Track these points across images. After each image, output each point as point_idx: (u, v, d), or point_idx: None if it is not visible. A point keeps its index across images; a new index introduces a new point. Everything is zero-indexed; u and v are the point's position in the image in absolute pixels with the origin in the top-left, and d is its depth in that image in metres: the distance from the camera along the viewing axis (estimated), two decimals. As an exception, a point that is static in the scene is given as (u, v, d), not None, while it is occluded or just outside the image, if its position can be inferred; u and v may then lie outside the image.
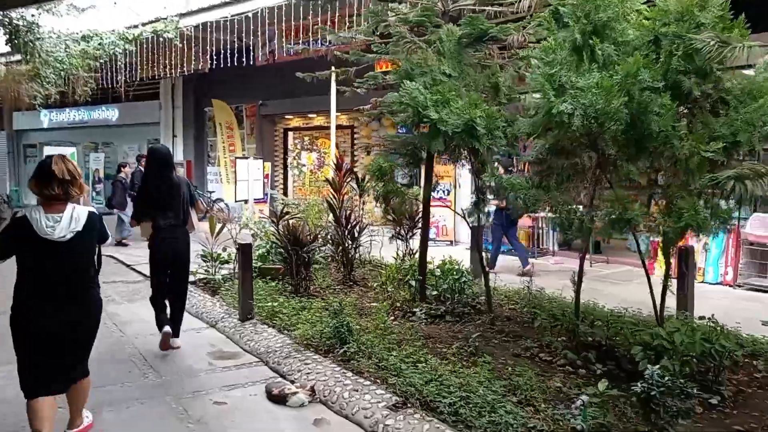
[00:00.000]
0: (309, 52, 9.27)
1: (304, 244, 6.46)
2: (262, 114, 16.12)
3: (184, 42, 12.32)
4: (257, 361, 4.99)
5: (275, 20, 11.05)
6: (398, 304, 6.08)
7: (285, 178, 16.29)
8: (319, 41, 12.60)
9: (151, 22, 12.46)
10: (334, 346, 4.84)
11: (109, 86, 14.25)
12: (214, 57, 13.32)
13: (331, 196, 7.27)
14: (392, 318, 5.63)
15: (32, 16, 11.44)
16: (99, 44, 12.40)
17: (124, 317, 6.40)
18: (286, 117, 16.04)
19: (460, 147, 5.00)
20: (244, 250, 5.76)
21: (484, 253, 6.08)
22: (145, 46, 12.83)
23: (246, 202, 10.56)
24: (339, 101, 14.53)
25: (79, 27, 12.64)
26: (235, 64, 12.38)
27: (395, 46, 6.22)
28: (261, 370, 4.80)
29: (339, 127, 15.17)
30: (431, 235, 9.46)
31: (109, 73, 13.79)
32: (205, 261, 7.58)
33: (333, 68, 8.86)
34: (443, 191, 12.20)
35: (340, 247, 7.26)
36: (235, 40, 12.04)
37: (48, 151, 13.69)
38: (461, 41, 5.32)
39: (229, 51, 12.25)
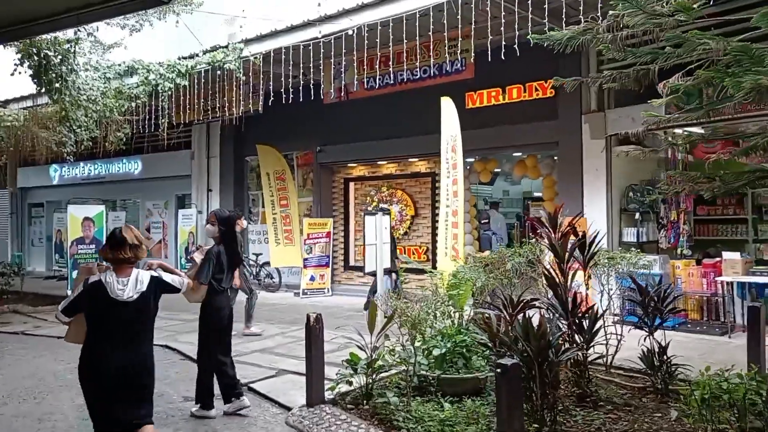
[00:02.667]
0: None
1: (556, 351, 3.97)
2: (319, 162, 13.81)
3: (250, 75, 10.06)
4: None
5: (367, 45, 8.84)
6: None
7: (346, 237, 13.84)
8: (406, 71, 10.44)
9: (208, 51, 10.24)
10: None
11: (146, 131, 11.91)
12: (264, 95, 11.13)
13: (554, 270, 4.80)
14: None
15: (68, 42, 9.17)
16: (145, 79, 10.12)
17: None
18: (349, 165, 13.72)
19: None
20: (510, 374, 3.25)
21: None
22: (196, 80, 10.58)
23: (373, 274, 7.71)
24: (415, 145, 12.34)
25: (120, 58, 10.40)
26: (292, 102, 9.99)
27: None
28: None
29: (415, 175, 12.92)
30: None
31: (147, 116, 11.48)
32: (353, 368, 5.03)
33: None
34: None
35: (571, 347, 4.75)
36: (291, 74, 9.69)
37: (72, 210, 11.23)
38: None
39: (284, 87, 9.87)
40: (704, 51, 3.70)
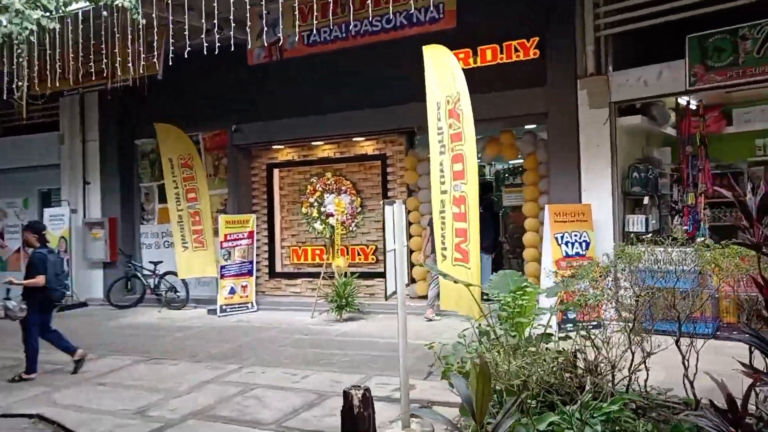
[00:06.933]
0: None
1: None
2: (235, 144, 11.05)
3: (154, 22, 7.20)
4: None
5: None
6: None
7: (270, 238, 11.21)
8: (362, 21, 8.17)
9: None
10: None
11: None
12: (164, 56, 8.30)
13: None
14: None
15: None
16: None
17: None
18: (274, 147, 11.09)
19: None
20: None
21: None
22: (71, 26, 7.52)
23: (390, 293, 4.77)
24: (363, 120, 10.02)
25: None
26: (201, 67, 7.22)
27: None
28: None
29: (361, 158, 10.58)
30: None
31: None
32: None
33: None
34: (578, 242, 7.93)
35: None
36: (203, 26, 6.87)
37: None
38: None
39: (197, 45, 7.02)
40: None
